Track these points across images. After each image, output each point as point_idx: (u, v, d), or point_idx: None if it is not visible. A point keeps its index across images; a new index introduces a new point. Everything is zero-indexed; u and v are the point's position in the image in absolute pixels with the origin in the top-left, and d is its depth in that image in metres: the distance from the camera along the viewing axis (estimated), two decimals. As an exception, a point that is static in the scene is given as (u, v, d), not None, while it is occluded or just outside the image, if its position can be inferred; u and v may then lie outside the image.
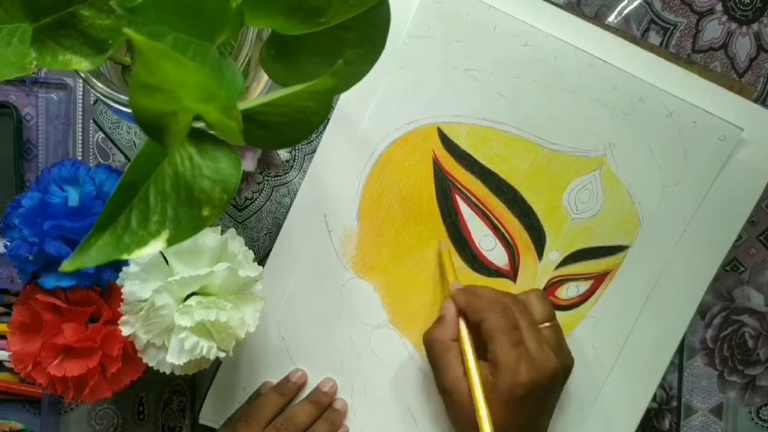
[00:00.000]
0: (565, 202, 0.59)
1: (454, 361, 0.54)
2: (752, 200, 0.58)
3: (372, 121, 0.59)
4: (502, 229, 0.59)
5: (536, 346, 0.52)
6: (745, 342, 0.61)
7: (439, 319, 0.56)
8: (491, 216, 0.59)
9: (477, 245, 0.59)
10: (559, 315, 0.59)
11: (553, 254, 0.59)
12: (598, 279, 0.60)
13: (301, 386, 0.60)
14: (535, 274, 0.60)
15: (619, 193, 0.59)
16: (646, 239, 0.59)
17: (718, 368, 0.62)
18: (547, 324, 0.55)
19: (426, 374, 0.60)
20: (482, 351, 0.53)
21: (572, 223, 0.59)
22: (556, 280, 0.60)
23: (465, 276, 0.59)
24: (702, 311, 0.61)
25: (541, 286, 0.59)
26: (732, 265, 0.62)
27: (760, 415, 0.62)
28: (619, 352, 0.59)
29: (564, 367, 0.54)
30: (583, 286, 0.60)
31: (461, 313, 0.55)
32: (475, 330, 0.54)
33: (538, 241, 0.59)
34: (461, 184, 0.59)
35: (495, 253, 0.59)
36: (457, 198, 0.59)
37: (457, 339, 0.54)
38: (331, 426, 0.59)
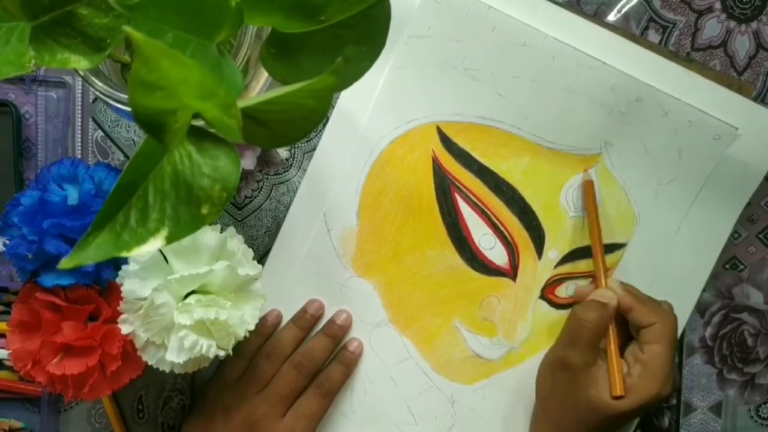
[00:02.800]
0: (563, 200, 0.59)
1: (595, 347, 0.54)
2: (746, 197, 0.58)
3: (372, 120, 0.59)
4: (502, 228, 0.59)
5: (674, 367, 0.54)
6: (744, 340, 0.61)
7: (599, 304, 0.55)
8: (491, 214, 0.59)
9: (477, 244, 0.59)
10: (559, 313, 0.60)
11: (553, 253, 0.59)
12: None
13: (318, 318, 0.60)
14: (534, 272, 0.60)
15: (615, 191, 0.59)
16: (643, 237, 0.59)
17: (717, 366, 0.62)
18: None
19: (425, 373, 0.60)
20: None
21: (570, 221, 0.59)
22: (555, 278, 0.60)
23: (464, 275, 0.59)
24: (701, 309, 0.61)
25: (541, 284, 0.60)
26: (731, 263, 0.62)
27: (760, 413, 0.62)
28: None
29: (675, 390, 0.56)
30: (583, 285, 0.60)
31: (624, 308, 0.55)
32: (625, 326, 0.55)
33: (538, 239, 0.59)
34: (460, 182, 0.59)
35: (495, 251, 0.59)
36: (457, 197, 0.59)
37: (606, 324, 0.54)
38: (346, 369, 0.60)
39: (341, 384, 0.60)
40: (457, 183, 0.59)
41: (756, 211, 0.61)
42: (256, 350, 0.60)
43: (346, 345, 0.60)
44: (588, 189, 0.58)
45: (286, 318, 0.61)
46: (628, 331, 0.56)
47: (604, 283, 0.57)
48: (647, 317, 0.54)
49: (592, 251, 0.58)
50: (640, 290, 0.56)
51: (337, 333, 0.60)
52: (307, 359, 0.59)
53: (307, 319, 0.60)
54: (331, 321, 0.60)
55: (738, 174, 0.58)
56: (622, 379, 0.53)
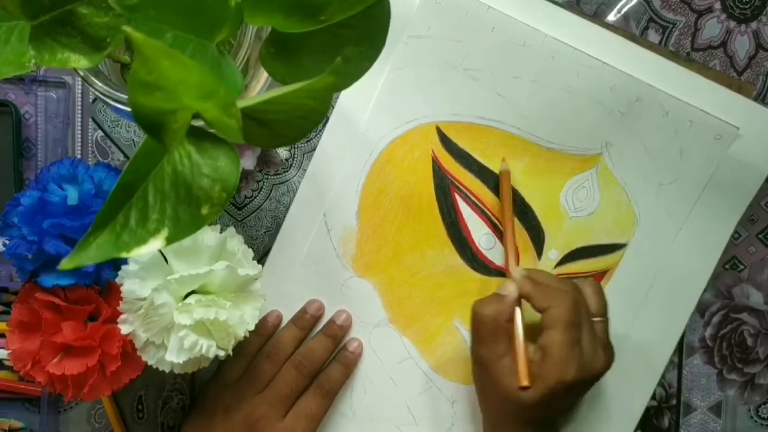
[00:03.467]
0: (563, 200, 0.59)
1: (501, 340, 0.53)
2: (747, 197, 0.58)
3: (371, 120, 0.59)
4: (502, 228, 0.59)
5: (590, 345, 0.52)
6: (744, 340, 0.61)
7: (497, 297, 0.54)
8: (490, 215, 0.59)
9: (476, 244, 0.59)
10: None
11: (552, 253, 0.59)
12: (597, 278, 0.60)
13: (318, 318, 0.61)
14: (534, 272, 0.60)
15: (615, 191, 0.59)
16: (643, 237, 0.59)
17: (717, 366, 0.62)
18: (599, 319, 0.54)
19: (425, 373, 0.60)
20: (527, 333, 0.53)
21: (570, 222, 0.59)
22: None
23: (464, 275, 0.59)
24: (701, 309, 0.61)
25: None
26: (731, 263, 0.62)
27: (759, 414, 0.62)
28: (618, 351, 0.59)
29: (608, 366, 0.54)
30: (582, 285, 0.60)
31: (523, 296, 0.54)
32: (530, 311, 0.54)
33: (537, 239, 0.59)
34: (460, 182, 0.59)
35: (494, 251, 0.59)
36: (457, 197, 0.59)
37: (510, 320, 0.53)
38: (346, 369, 0.60)
39: (341, 384, 0.60)
40: (456, 183, 0.59)
41: (756, 211, 0.61)
42: (256, 350, 0.60)
43: (346, 345, 0.60)
44: (504, 179, 0.58)
45: (286, 318, 0.61)
46: None
47: (510, 274, 0.56)
48: (542, 302, 0.53)
49: (504, 240, 0.58)
50: (550, 275, 0.56)
51: (337, 333, 0.60)
52: (307, 359, 0.59)
53: (307, 319, 0.60)
54: (331, 321, 0.60)
55: (739, 174, 0.58)
56: (527, 368, 0.52)
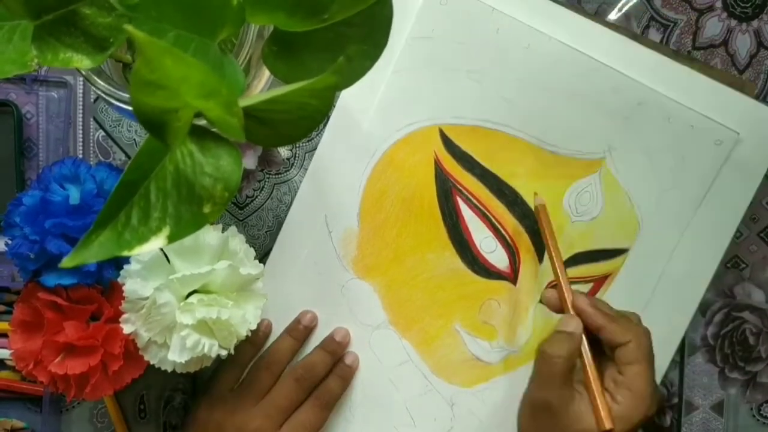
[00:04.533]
0: (566, 204, 0.59)
1: (570, 381, 0.51)
2: (748, 197, 0.58)
3: (374, 122, 0.59)
4: (503, 231, 0.59)
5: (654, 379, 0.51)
6: (746, 339, 0.61)
7: (565, 335, 0.51)
8: (492, 218, 0.59)
9: (478, 247, 0.59)
10: (559, 318, 0.59)
11: (554, 257, 0.59)
12: (599, 282, 0.60)
13: (312, 329, 0.60)
14: (535, 276, 0.59)
15: (618, 196, 0.59)
16: (646, 242, 0.59)
17: (719, 365, 0.62)
18: None
19: (425, 375, 0.60)
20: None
21: (572, 226, 0.59)
22: (556, 282, 0.59)
23: (465, 278, 0.59)
24: (703, 308, 0.61)
25: (542, 289, 0.59)
26: (733, 262, 0.62)
27: (762, 412, 0.62)
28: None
29: None
30: (584, 289, 0.59)
31: (595, 329, 0.51)
32: (597, 346, 0.52)
33: (539, 243, 0.59)
34: (462, 185, 0.59)
35: (495, 255, 0.59)
36: (458, 199, 0.59)
37: (577, 355, 0.51)
38: (344, 382, 0.60)
39: (339, 397, 0.60)
40: (458, 186, 0.59)
41: (757, 210, 0.61)
42: (248, 360, 0.60)
43: (343, 358, 0.60)
44: (542, 213, 0.57)
45: (280, 321, 0.60)
46: (598, 349, 0.52)
47: (569, 308, 0.53)
48: (620, 336, 0.50)
49: (555, 274, 0.55)
50: (610, 305, 0.53)
51: (336, 349, 0.60)
52: (308, 373, 0.59)
53: (301, 330, 0.60)
54: (331, 337, 0.60)
55: (740, 174, 0.58)
56: (608, 409, 0.49)
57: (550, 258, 0.56)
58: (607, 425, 0.48)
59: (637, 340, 0.50)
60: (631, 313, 0.53)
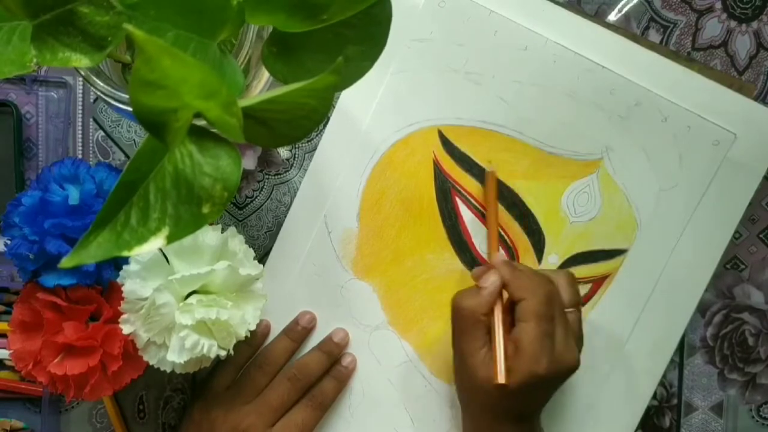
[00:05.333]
0: (564, 205, 0.59)
1: (479, 333, 0.52)
2: (746, 198, 0.58)
3: (373, 123, 0.59)
4: (502, 232, 0.59)
5: (562, 338, 0.52)
6: (745, 340, 0.61)
7: (478, 289, 0.53)
8: (491, 217, 0.59)
9: (476, 248, 0.59)
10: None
11: (553, 257, 0.59)
12: (597, 282, 0.60)
13: (310, 330, 0.60)
14: (534, 275, 0.59)
15: (616, 197, 0.59)
16: (644, 243, 0.59)
17: (718, 366, 0.62)
18: (571, 310, 0.54)
19: (424, 376, 0.60)
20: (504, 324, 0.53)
21: (571, 227, 0.59)
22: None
23: (464, 279, 0.59)
24: (702, 309, 0.61)
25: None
26: (732, 262, 0.61)
27: (761, 413, 0.62)
28: (618, 354, 0.59)
29: (578, 359, 0.53)
30: (583, 290, 0.59)
31: (503, 283, 0.53)
32: (507, 304, 0.53)
33: (538, 244, 0.59)
34: (461, 186, 0.59)
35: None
36: (457, 200, 0.59)
37: (488, 314, 0.53)
38: (339, 384, 0.60)
39: (333, 398, 0.60)
40: (457, 186, 0.59)
41: (757, 211, 0.61)
42: (245, 360, 0.60)
43: (340, 360, 0.60)
44: (489, 179, 0.58)
45: (279, 322, 0.60)
46: None
47: (490, 261, 0.56)
48: (516, 292, 0.52)
49: (488, 231, 0.57)
50: (528, 266, 0.55)
51: (333, 350, 0.60)
52: (302, 373, 0.58)
53: (299, 331, 0.60)
54: (329, 338, 0.60)
55: (738, 175, 0.58)
56: (505, 364, 0.51)
57: (486, 211, 0.58)
58: (499, 380, 0.50)
59: (531, 299, 0.51)
60: (550, 271, 0.56)
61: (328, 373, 0.60)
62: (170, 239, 0.30)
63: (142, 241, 0.29)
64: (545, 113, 0.58)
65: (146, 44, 0.25)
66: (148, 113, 0.27)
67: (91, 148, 0.61)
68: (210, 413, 0.57)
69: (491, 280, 0.53)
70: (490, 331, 0.53)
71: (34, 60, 0.35)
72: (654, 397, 0.61)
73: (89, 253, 0.29)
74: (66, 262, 0.28)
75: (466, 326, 0.53)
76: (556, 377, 0.52)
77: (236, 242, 0.52)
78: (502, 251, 0.58)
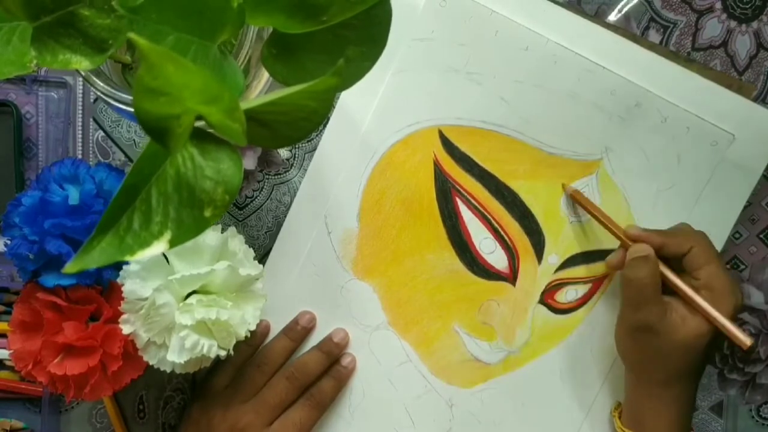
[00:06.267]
0: (563, 205, 0.59)
1: (659, 297, 0.53)
2: (743, 198, 0.58)
3: (374, 123, 0.59)
4: (502, 232, 0.59)
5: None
6: (745, 340, 0.61)
7: (642, 259, 0.53)
8: (491, 219, 0.59)
9: (477, 248, 0.59)
10: (558, 319, 0.60)
11: (552, 257, 0.59)
12: (597, 282, 0.60)
13: (310, 330, 0.60)
14: (534, 277, 0.60)
15: (615, 197, 0.59)
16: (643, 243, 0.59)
17: (718, 366, 0.62)
18: None
19: (424, 376, 0.60)
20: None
21: (570, 227, 0.59)
22: (555, 283, 0.60)
23: (464, 279, 0.59)
24: (702, 309, 0.61)
25: (541, 289, 0.59)
26: (732, 263, 0.62)
27: (761, 413, 0.62)
28: (617, 354, 0.59)
29: None
30: (582, 290, 0.60)
31: (658, 247, 0.54)
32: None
33: (538, 244, 0.59)
34: (461, 186, 0.59)
35: (495, 256, 0.59)
36: (458, 200, 0.59)
37: (659, 278, 0.53)
38: (338, 383, 0.60)
39: (332, 398, 0.60)
40: (458, 187, 0.59)
41: (757, 211, 0.61)
42: (244, 360, 0.60)
43: (340, 360, 0.60)
44: (578, 197, 0.58)
45: (279, 322, 0.60)
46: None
47: (628, 242, 0.55)
48: (683, 245, 0.53)
49: (606, 224, 0.57)
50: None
51: (333, 350, 0.60)
52: (300, 372, 0.58)
53: (299, 330, 0.60)
54: (329, 338, 0.60)
55: (736, 176, 0.58)
56: (731, 326, 0.51)
57: (602, 222, 0.57)
58: (745, 341, 0.51)
59: (698, 245, 0.53)
60: (680, 224, 0.57)
61: (327, 372, 0.60)
62: (173, 243, 0.30)
63: (145, 246, 0.29)
64: (545, 113, 0.58)
65: (150, 52, 0.25)
66: (151, 119, 0.27)
67: (91, 148, 0.61)
68: (208, 412, 0.57)
69: (645, 246, 0.54)
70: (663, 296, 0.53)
71: (34, 61, 0.35)
72: (653, 396, 0.61)
73: (93, 258, 0.29)
74: (70, 268, 0.28)
75: (648, 295, 0.53)
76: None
77: (236, 242, 0.52)
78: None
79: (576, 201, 0.58)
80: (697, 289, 0.53)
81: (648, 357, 0.54)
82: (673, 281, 0.53)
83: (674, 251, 0.54)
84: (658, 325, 0.53)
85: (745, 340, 0.51)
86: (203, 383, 0.60)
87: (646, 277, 0.53)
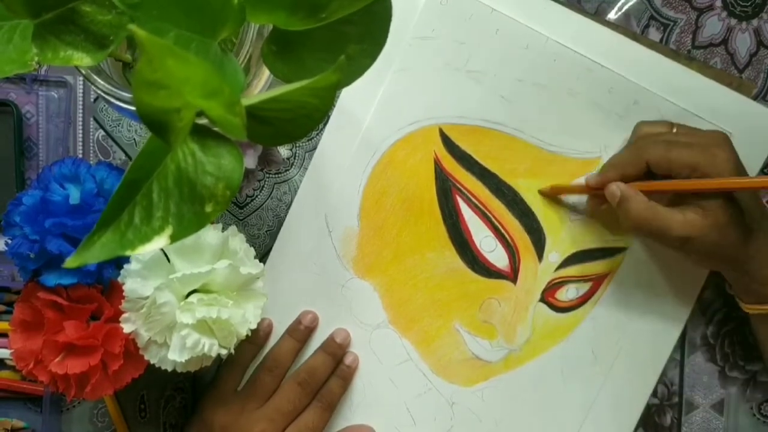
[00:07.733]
0: (563, 203, 0.59)
1: (674, 214, 0.51)
2: None
3: (374, 122, 0.59)
4: (503, 231, 0.59)
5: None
6: (746, 338, 0.61)
7: (619, 205, 0.52)
8: (492, 217, 0.59)
9: (478, 246, 0.59)
10: (559, 317, 0.60)
11: (553, 256, 0.59)
12: (598, 281, 0.60)
13: (313, 329, 0.61)
14: (535, 275, 0.60)
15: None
16: (643, 241, 0.59)
17: (719, 364, 0.62)
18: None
19: (425, 375, 0.60)
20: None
21: (571, 225, 0.59)
22: (556, 281, 0.60)
23: (465, 277, 0.59)
24: (703, 307, 0.61)
25: (542, 287, 0.60)
26: (733, 261, 0.61)
27: (762, 411, 0.62)
28: (618, 353, 0.59)
29: None
30: (583, 288, 0.60)
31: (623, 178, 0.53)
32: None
33: (538, 242, 0.59)
34: (462, 185, 0.59)
35: (495, 254, 0.59)
36: (458, 199, 0.59)
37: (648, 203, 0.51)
38: (344, 382, 0.60)
39: (340, 397, 0.60)
40: (458, 185, 0.59)
41: (757, 209, 0.61)
42: (250, 360, 0.60)
43: (343, 359, 0.60)
44: (547, 192, 0.59)
45: (281, 321, 0.60)
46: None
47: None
48: (637, 163, 0.52)
49: (572, 191, 0.58)
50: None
51: (337, 351, 0.60)
52: (311, 377, 0.59)
53: (302, 330, 0.60)
54: (332, 339, 0.60)
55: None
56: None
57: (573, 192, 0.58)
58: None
59: (649, 153, 0.52)
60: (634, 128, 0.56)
61: (334, 373, 0.60)
62: (174, 238, 0.30)
63: (146, 241, 0.29)
64: (545, 112, 0.58)
65: (149, 44, 0.25)
66: (151, 113, 0.27)
67: (91, 148, 0.61)
68: (220, 416, 0.58)
69: (613, 190, 0.52)
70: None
71: (36, 59, 0.35)
72: (655, 395, 0.61)
73: (93, 253, 0.29)
74: (71, 262, 0.28)
75: (662, 219, 0.51)
76: None
77: (237, 241, 0.52)
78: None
79: (550, 196, 0.59)
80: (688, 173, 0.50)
81: (755, 281, 0.53)
82: (664, 186, 0.51)
83: (636, 171, 0.52)
84: (683, 231, 0.50)
85: None
86: (212, 385, 0.60)
87: (641, 213, 0.51)
